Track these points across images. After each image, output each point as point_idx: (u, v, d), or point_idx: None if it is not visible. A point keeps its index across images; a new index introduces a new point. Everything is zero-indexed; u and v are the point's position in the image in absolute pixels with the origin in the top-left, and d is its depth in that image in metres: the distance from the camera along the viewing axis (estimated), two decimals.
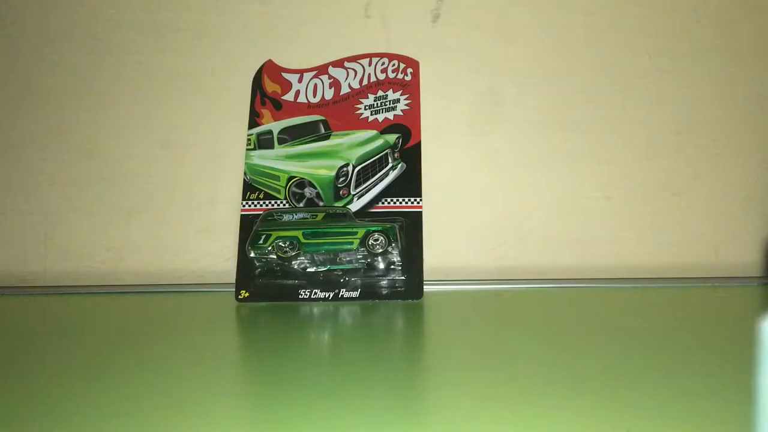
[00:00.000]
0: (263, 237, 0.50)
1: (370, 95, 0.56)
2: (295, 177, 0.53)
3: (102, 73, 0.61)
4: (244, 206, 0.53)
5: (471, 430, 0.26)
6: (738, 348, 0.36)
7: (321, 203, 0.53)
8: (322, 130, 0.56)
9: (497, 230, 0.59)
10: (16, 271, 0.60)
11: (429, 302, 0.49)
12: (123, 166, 0.60)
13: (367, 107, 0.56)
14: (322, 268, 0.50)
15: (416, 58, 0.57)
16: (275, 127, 0.55)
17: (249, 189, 0.54)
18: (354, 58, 0.58)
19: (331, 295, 0.49)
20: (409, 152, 0.54)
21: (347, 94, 0.57)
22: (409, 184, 0.53)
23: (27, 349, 0.39)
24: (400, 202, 0.52)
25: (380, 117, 0.55)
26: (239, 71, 0.58)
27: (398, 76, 0.56)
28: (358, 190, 0.53)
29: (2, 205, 0.61)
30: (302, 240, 0.49)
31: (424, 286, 0.50)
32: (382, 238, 0.49)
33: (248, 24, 0.60)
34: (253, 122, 0.56)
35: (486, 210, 0.59)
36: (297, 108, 0.56)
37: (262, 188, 0.53)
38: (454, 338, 0.40)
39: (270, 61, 0.58)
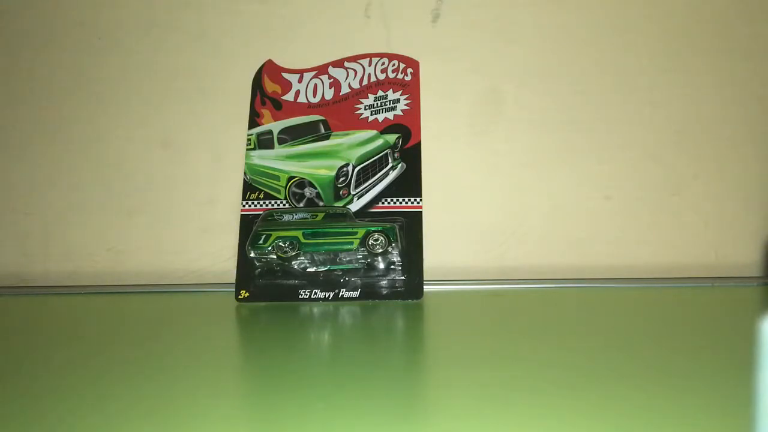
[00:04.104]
0: (263, 237, 0.50)
1: (370, 95, 0.56)
2: (295, 177, 0.53)
3: (102, 73, 0.61)
4: (244, 206, 0.53)
5: (471, 430, 0.26)
6: (738, 348, 0.36)
7: (321, 203, 0.53)
8: (322, 130, 0.56)
9: (497, 230, 0.59)
10: (16, 271, 0.60)
11: (429, 302, 0.49)
12: (123, 166, 0.60)
13: (367, 107, 0.56)
14: (322, 268, 0.50)
15: (416, 58, 0.57)
16: (275, 127, 0.55)
17: (249, 189, 0.54)
18: (354, 58, 0.58)
19: (331, 295, 0.49)
20: (409, 152, 0.54)
21: (347, 94, 0.57)
22: (409, 184, 0.53)
23: (27, 349, 0.39)
24: (400, 202, 0.52)
25: (380, 117, 0.55)
26: (239, 71, 0.58)
27: (398, 76, 0.56)
28: (358, 190, 0.53)
29: (2, 205, 0.61)
30: (302, 240, 0.49)
31: (424, 286, 0.50)
32: (382, 238, 0.49)
33: (248, 24, 0.60)
34: (253, 122, 0.56)
35: (486, 210, 0.59)
36: (297, 108, 0.56)
37: (262, 188, 0.53)
38: (454, 338, 0.40)
39: (270, 61, 0.58)
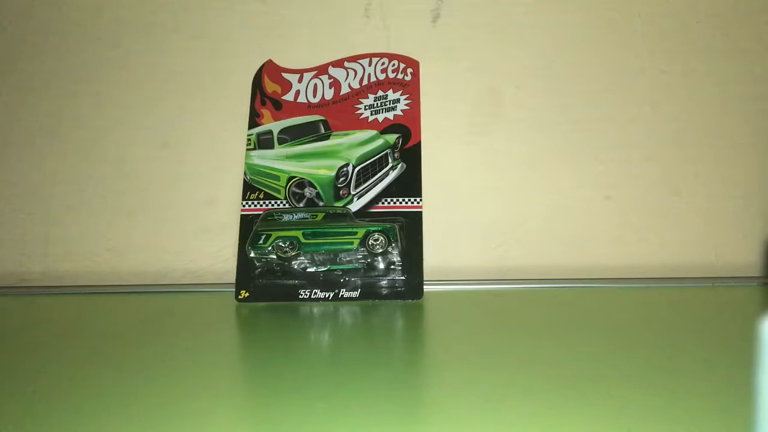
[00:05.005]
0: (263, 237, 0.50)
1: (370, 95, 0.56)
2: (295, 177, 0.53)
3: (102, 73, 0.61)
4: (244, 206, 0.53)
5: (471, 430, 0.26)
6: (738, 348, 0.36)
7: (321, 203, 0.53)
8: (322, 130, 0.56)
9: (497, 230, 0.59)
10: (16, 271, 0.60)
11: (429, 302, 0.49)
12: (123, 166, 0.60)
13: (367, 107, 0.56)
14: (322, 268, 0.50)
15: (416, 58, 0.57)
16: (275, 127, 0.55)
17: (249, 189, 0.54)
18: (354, 58, 0.58)
19: (331, 295, 0.49)
20: (409, 152, 0.54)
21: (347, 94, 0.57)
22: (409, 184, 0.53)
23: (27, 349, 0.39)
24: (400, 202, 0.52)
25: (380, 117, 0.55)
26: (239, 71, 0.58)
27: (398, 76, 0.56)
28: (358, 190, 0.53)
29: (2, 205, 0.61)
30: (302, 240, 0.49)
31: (424, 286, 0.50)
32: (382, 238, 0.49)
33: (248, 24, 0.60)
34: (253, 122, 0.56)
35: (486, 210, 0.59)
36: (297, 108, 0.56)
37: (262, 188, 0.53)
38: (454, 338, 0.40)
39: (270, 61, 0.58)
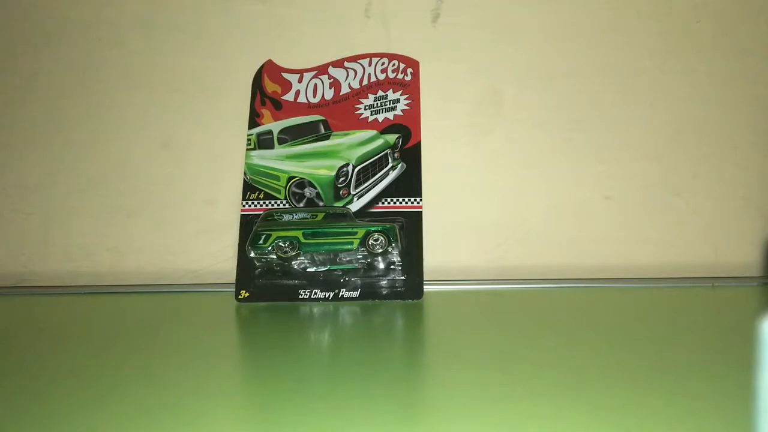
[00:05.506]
0: (263, 237, 0.50)
1: (370, 95, 0.56)
2: (295, 177, 0.53)
3: (102, 73, 0.61)
4: (244, 206, 0.53)
5: (471, 430, 0.26)
6: (738, 348, 0.36)
7: (321, 203, 0.53)
8: (322, 130, 0.56)
9: (497, 230, 0.59)
10: (16, 271, 0.60)
11: (429, 302, 0.49)
12: (123, 166, 0.60)
13: (367, 107, 0.56)
14: (322, 268, 0.50)
15: (416, 58, 0.57)
16: (275, 127, 0.55)
17: (249, 189, 0.54)
18: (354, 58, 0.58)
19: (331, 295, 0.49)
20: (409, 152, 0.54)
21: (347, 94, 0.57)
22: (409, 184, 0.53)
23: (27, 350, 0.39)
24: (400, 202, 0.52)
25: (380, 117, 0.55)
26: (239, 71, 0.58)
27: (398, 76, 0.56)
28: (358, 190, 0.53)
29: (2, 205, 0.61)
30: (302, 240, 0.49)
31: (424, 286, 0.50)
32: (382, 238, 0.49)
33: (248, 24, 0.60)
34: (253, 122, 0.56)
35: (486, 210, 0.59)
36: (297, 108, 0.56)
37: (262, 188, 0.53)
38: (454, 338, 0.40)
39: (270, 61, 0.58)
